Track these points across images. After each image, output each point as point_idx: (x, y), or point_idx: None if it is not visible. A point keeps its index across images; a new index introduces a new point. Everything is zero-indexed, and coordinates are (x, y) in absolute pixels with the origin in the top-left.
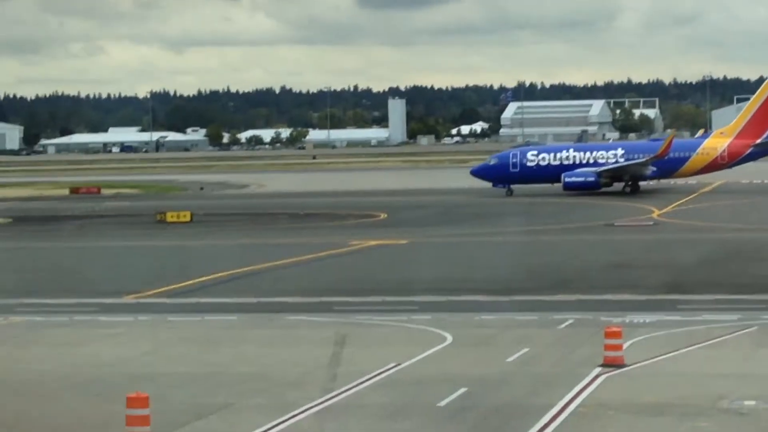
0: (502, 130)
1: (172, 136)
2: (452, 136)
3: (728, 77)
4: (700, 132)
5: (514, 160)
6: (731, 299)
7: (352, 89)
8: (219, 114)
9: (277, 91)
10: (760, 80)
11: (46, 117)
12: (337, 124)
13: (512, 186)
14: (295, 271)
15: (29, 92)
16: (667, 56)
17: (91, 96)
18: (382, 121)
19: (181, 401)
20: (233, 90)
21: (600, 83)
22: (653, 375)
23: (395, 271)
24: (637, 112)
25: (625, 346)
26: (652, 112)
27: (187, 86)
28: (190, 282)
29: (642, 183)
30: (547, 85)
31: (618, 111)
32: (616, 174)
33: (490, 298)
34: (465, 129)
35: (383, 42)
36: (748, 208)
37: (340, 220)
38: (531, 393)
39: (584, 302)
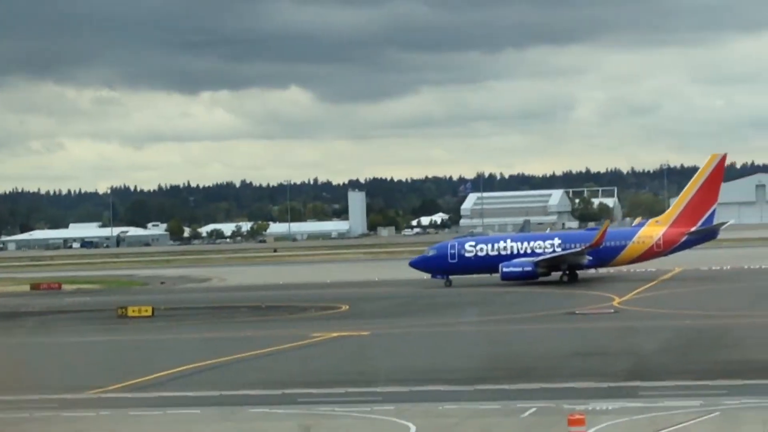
0: (462, 221)
1: (133, 231)
2: (412, 227)
3: (685, 165)
4: (637, 220)
5: (452, 251)
6: (693, 385)
7: (311, 182)
8: (179, 208)
9: (238, 185)
10: None
11: (6, 214)
12: (297, 216)
13: (450, 276)
14: (258, 363)
15: None
16: (625, 146)
17: (51, 192)
18: (342, 214)
19: None
20: (193, 184)
21: (559, 173)
22: None
23: (358, 362)
24: (596, 201)
25: None
26: (611, 201)
27: (147, 181)
28: (153, 376)
29: (581, 272)
30: (507, 176)
31: (577, 200)
32: (552, 263)
33: (452, 387)
34: (425, 220)
35: (342, 135)
36: (707, 295)
37: (302, 313)
38: None
39: (547, 390)
